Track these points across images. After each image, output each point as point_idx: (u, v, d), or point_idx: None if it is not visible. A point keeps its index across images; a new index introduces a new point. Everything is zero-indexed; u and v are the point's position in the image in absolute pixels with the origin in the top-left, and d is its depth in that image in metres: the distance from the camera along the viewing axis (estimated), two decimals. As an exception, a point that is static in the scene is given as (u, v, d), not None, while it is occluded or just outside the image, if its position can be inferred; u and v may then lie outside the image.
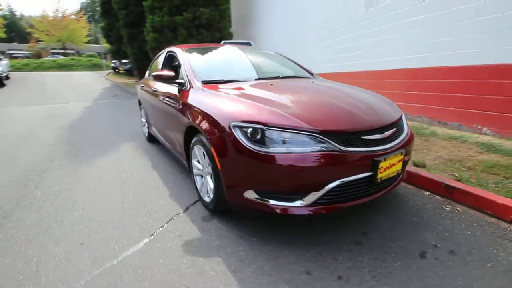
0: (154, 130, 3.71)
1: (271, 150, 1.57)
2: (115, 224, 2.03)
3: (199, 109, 2.03)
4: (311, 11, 6.89)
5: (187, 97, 2.29)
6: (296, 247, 1.73)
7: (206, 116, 1.91)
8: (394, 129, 1.86)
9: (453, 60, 3.82)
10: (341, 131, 1.63)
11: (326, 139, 1.58)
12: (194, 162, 2.27)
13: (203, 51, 2.96)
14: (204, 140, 1.95)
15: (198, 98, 2.15)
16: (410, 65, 4.50)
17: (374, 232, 1.87)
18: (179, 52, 2.86)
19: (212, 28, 10.07)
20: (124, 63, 18.06)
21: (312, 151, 1.55)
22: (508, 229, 1.87)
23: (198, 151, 2.12)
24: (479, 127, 3.58)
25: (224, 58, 2.88)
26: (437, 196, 2.34)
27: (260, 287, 1.43)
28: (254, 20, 10.79)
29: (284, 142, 1.59)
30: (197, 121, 2.00)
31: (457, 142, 3.40)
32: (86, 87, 13.18)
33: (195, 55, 2.79)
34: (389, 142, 1.77)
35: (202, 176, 2.22)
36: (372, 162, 1.64)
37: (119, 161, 3.42)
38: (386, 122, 1.81)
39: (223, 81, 2.38)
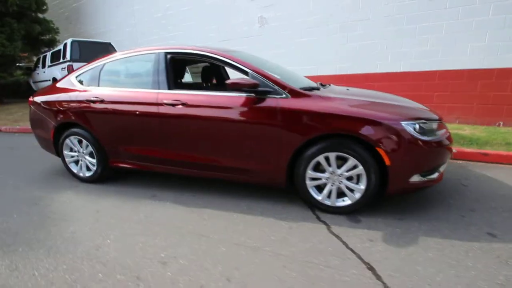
0: (131, 161, 2.63)
1: (433, 138, 2.02)
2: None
3: (345, 115, 2.01)
4: (190, 18, 6.82)
5: (301, 106, 2.09)
6: (440, 214, 2.13)
7: (363, 121, 1.96)
8: None
9: (344, 70, 5.51)
10: (441, 117, 2.36)
11: (444, 123, 2.25)
12: (310, 172, 2.15)
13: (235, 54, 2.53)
14: (349, 144, 2.02)
15: (329, 105, 2.08)
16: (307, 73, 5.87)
17: (451, 191, 2.56)
18: (225, 54, 2.34)
19: (25, 19, 7.04)
20: None
21: (446, 133, 2.18)
22: (482, 163, 3.18)
23: (330, 157, 2.07)
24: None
25: (257, 64, 2.65)
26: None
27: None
28: (87, 16, 8.64)
29: (434, 130, 2.08)
30: (348, 127, 1.99)
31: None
32: None
33: (242, 59, 2.40)
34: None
35: (325, 185, 2.16)
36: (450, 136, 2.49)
37: (113, 221, 2.18)
38: None
39: (310, 88, 2.34)
